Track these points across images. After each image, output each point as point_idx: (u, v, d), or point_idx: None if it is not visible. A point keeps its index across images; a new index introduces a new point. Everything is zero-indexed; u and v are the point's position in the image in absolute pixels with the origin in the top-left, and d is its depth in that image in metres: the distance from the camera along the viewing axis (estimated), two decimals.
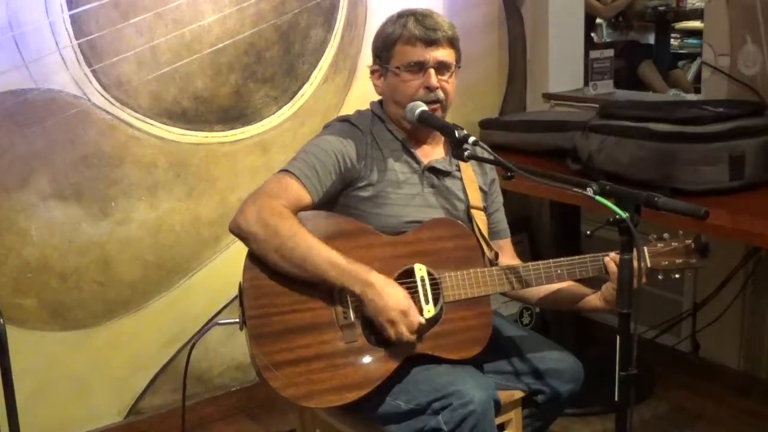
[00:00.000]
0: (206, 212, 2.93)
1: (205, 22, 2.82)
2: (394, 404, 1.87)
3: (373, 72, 2.05)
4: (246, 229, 1.84)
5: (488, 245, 2.02)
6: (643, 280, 1.84)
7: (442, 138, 2.08)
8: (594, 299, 1.98)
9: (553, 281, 1.95)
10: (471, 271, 1.92)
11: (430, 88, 1.96)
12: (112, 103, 2.71)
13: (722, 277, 3.05)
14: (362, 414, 1.92)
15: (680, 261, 1.92)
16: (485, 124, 3.38)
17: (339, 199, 1.98)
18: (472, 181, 2.08)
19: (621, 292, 1.67)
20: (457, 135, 1.85)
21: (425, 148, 2.06)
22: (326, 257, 1.81)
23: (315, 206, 1.92)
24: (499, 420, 1.99)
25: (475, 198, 2.07)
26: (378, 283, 1.81)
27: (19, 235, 2.61)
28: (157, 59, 2.76)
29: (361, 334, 1.86)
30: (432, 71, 1.96)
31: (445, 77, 1.98)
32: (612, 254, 1.91)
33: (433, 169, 2.03)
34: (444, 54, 1.97)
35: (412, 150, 2.03)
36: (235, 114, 2.95)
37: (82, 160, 2.68)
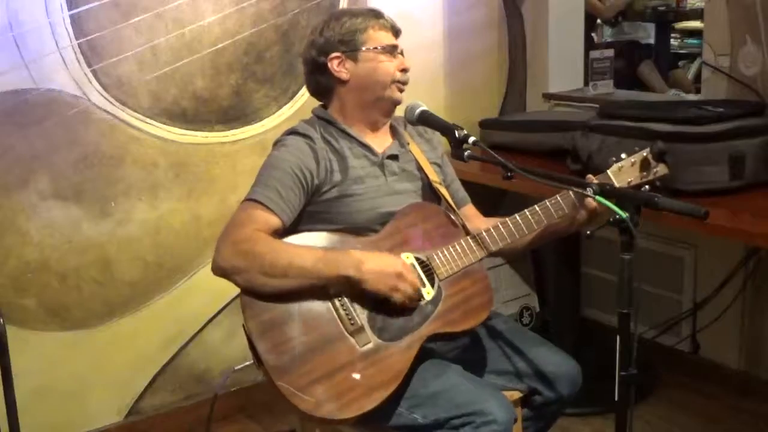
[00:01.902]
0: (206, 212, 2.93)
1: (205, 22, 2.82)
2: (410, 417, 1.87)
3: (332, 59, 2.03)
4: (225, 266, 1.86)
5: (457, 216, 2.06)
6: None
7: (387, 123, 2.12)
8: (562, 224, 2.01)
9: (534, 229, 1.98)
10: (455, 244, 1.96)
11: (406, 70, 2.05)
12: (112, 103, 2.71)
13: (722, 277, 3.05)
14: (376, 424, 1.91)
15: (644, 173, 1.95)
16: (485, 124, 3.38)
17: (306, 207, 1.99)
18: (423, 158, 2.12)
19: (621, 292, 1.67)
20: (457, 135, 1.85)
21: (377, 138, 2.09)
22: (308, 256, 1.84)
23: (286, 226, 1.93)
24: None
25: (433, 174, 2.11)
26: (367, 258, 1.85)
27: (19, 235, 2.61)
28: (157, 59, 2.76)
29: (372, 335, 1.87)
30: (401, 56, 2.07)
31: None
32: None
33: (390, 156, 2.06)
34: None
35: (367, 143, 2.05)
36: (235, 114, 2.95)
37: (82, 160, 2.68)
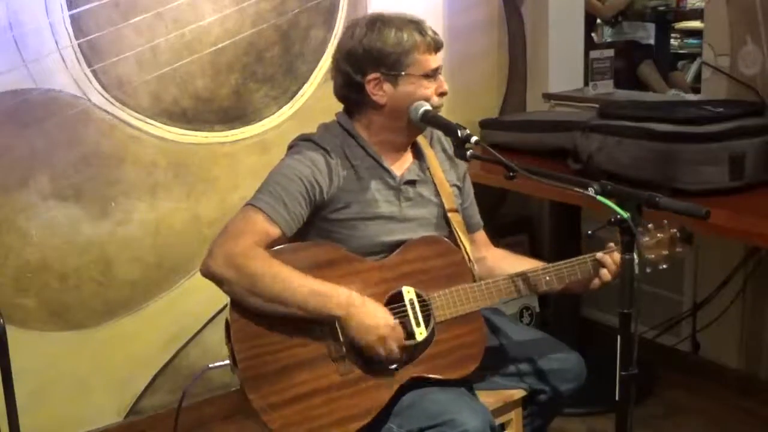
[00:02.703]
0: (206, 212, 2.93)
1: (205, 22, 2.82)
2: (387, 427, 1.86)
3: (370, 81, 1.90)
4: (216, 273, 1.81)
5: (469, 256, 2.00)
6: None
7: (410, 143, 2.04)
8: (575, 287, 1.98)
9: (542, 288, 1.95)
10: (459, 287, 1.91)
11: (444, 94, 1.95)
12: (112, 103, 2.71)
13: (722, 277, 3.05)
14: None
15: (666, 252, 1.91)
16: (485, 124, 3.38)
17: (315, 222, 1.93)
18: (443, 182, 2.04)
19: (621, 292, 1.67)
20: (459, 134, 1.83)
21: (399, 160, 2.01)
22: (301, 286, 1.78)
23: (287, 237, 1.87)
24: (499, 420, 1.99)
25: (450, 201, 2.04)
26: (359, 304, 1.79)
27: (19, 235, 2.61)
28: (157, 59, 2.76)
29: (355, 365, 1.84)
30: (441, 77, 1.95)
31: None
32: (599, 255, 1.92)
33: (408, 182, 1.99)
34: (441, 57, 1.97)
35: (387, 166, 1.97)
36: (235, 114, 2.95)
37: (82, 160, 2.68)
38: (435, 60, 1.92)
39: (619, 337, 1.66)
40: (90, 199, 2.71)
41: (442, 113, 2.01)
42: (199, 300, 2.96)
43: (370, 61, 1.89)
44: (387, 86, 1.90)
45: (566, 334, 3.15)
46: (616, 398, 1.68)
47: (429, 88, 1.92)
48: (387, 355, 1.81)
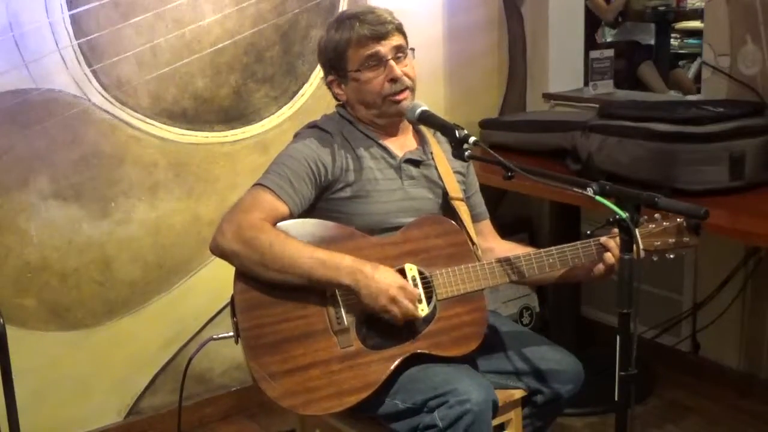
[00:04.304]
0: (206, 212, 2.93)
1: (205, 22, 2.82)
2: (392, 404, 1.87)
3: (331, 83, 2.05)
4: (225, 247, 1.84)
5: (472, 241, 2.02)
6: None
7: (410, 128, 2.08)
8: (580, 273, 1.98)
9: (545, 271, 1.95)
10: (462, 267, 1.92)
11: (395, 79, 1.96)
12: (112, 103, 2.71)
13: (722, 277, 3.05)
14: (363, 414, 1.92)
15: (673, 241, 1.90)
16: (485, 124, 3.38)
17: (318, 203, 1.98)
18: (447, 170, 2.07)
19: (621, 292, 1.67)
20: (457, 135, 1.84)
21: (398, 141, 2.06)
22: (310, 256, 1.81)
23: (293, 216, 1.91)
24: (498, 420, 1.99)
25: (454, 189, 2.06)
26: (367, 268, 1.81)
27: (19, 235, 2.61)
28: (157, 59, 2.76)
29: (355, 339, 1.85)
30: (392, 62, 1.96)
31: (404, 63, 1.98)
32: (603, 239, 1.91)
33: (409, 161, 2.03)
34: (396, 41, 1.97)
35: (386, 145, 2.03)
36: (235, 114, 2.95)
37: (82, 160, 2.68)
38: (372, 47, 1.94)
39: (618, 337, 1.66)
40: (90, 199, 2.72)
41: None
42: (199, 300, 2.96)
43: (324, 66, 2.06)
44: (342, 86, 2.03)
45: (566, 334, 3.18)
46: (616, 398, 1.68)
47: (374, 79, 1.96)
48: (403, 314, 1.82)
